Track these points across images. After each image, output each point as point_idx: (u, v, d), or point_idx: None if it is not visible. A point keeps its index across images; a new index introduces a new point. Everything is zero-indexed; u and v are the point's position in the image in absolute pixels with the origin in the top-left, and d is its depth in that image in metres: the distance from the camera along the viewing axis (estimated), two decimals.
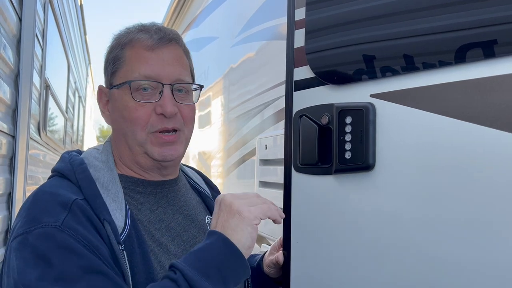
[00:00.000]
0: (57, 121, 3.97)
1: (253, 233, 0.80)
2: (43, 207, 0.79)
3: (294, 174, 0.97)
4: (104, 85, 0.98)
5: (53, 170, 0.91)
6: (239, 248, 0.78)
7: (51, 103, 3.23)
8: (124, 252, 0.79)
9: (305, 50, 0.95)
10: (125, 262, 0.79)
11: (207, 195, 1.11)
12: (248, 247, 0.80)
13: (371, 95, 0.84)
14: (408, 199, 0.78)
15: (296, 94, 0.99)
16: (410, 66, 0.79)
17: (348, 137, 0.87)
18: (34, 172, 2.68)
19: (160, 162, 0.92)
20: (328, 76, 0.92)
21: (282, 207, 1.02)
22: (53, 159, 3.62)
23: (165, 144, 0.91)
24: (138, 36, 0.92)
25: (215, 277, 0.74)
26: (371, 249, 0.82)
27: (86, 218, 0.79)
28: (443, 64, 0.74)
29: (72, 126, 5.67)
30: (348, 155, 0.86)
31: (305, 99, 0.96)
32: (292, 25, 1.02)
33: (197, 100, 0.98)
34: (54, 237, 0.74)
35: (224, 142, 3.13)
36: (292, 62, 1.01)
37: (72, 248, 0.74)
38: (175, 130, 0.92)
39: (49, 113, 3.13)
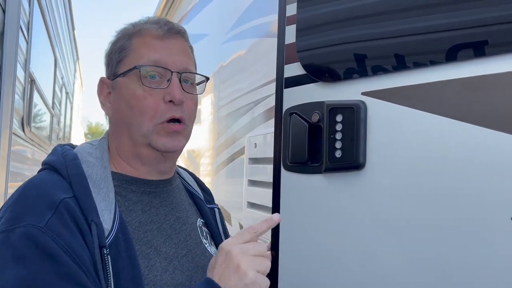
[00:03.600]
0: (43, 117, 3.90)
1: None
2: (28, 204, 0.76)
3: (284, 172, 0.96)
4: (105, 77, 0.96)
5: (44, 163, 0.88)
6: None
7: (37, 98, 3.17)
8: (109, 256, 0.76)
9: (296, 48, 0.93)
10: (109, 267, 0.76)
11: (199, 197, 1.09)
12: None
13: (362, 93, 0.83)
14: (398, 198, 0.76)
15: (287, 92, 0.98)
16: (401, 64, 0.77)
17: (338, 136, 0.85)
18: (18, 168, 2.62)
19: (162, 152, 0.91)
20: (319, 73, 0.90)
21: (271, 205, 1.00)
22: (38, 156, 3.55)
23: (171, 134, 0.89)
24: (146, 26, 0.93)
25: None
26: (360, 248, 0.81)
27: (72, 219, 0.76)
28: (434, 62, 0.73)
29: (58, 123, 5.59)
30: (338, 153, 0.85)
31: (295, 97, 0.95)
32: (283, 21, 1.00)
33: (203, 92, 0.99)
34: (36, 239, 0.72)
35: (214, 141, 3.10)
36: (282, 58, 0.99)
37: (51, 253, 0.72)
38: (180, 121, 0.90)
39: (34, 108, 3.06)
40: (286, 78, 0.97)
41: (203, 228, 1.03)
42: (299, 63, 0.93)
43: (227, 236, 1.08)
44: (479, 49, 0.68)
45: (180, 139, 0.91)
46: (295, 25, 0.94)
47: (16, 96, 2.24)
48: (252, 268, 0.77)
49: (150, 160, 0.92)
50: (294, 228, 0.93)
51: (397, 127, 0.78)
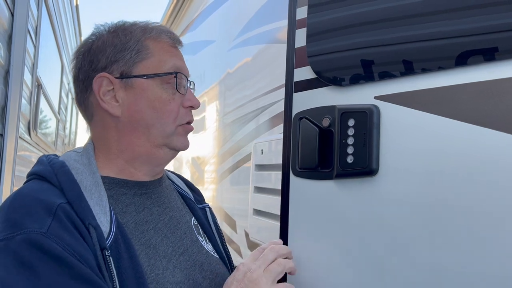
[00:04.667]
0: (49, 122, 3.90)
1: None
2: (25, 212, 0.75)
3: (293, 178, 0.94)
4: (105, 72, 0.91)
5: (30, 173, 0.87)
6: None
7: (43, 102, 3.17)
8: (111, 258, 0.76)
9: (307, 53, 0.92)
10: (112, 268, 0.76)
11: (190, 198, 1.10)
12: None
13: (375, 97, 0.81)
14: (412, 206, 0.74)
15: (296, 96, 0.96)
16: (416, 68, 0.76)
17: (350, 141, 0.83)
18: (23, 173, 2.61)
19: (178, 151, 0.97)
20: (330, 77, 0.89)
21: (277, 213, 0.98)
22: None
23: (188, 133, 0.98)
24: (162, 34, 0.96)
25: None
26: (373, 258, 0.79)
27: (71, 223, 0.76)
28: (449, 67, 0.71)
29: (64, 128, 5.60)
30: (350, 159, 0.83)
31: (305, 101, 0.93)
32: (293, 25, 0.99)
33: None
34: (40, 245, 0.71)
35: (219, 147, 3.08)
36: (292, 62, 0.98)
37: (60, 257, 0.71)
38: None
39: (40, 113, 3.07)
40: (295, 82, 0.96)
41: (198, 226, 1.05)
42: (309, 67, 0.92)
43: (220, 234, 1.10)
44: (494, 55, 0.66)
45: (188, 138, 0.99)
46: (305, 28, 0.93)
47: (23, 100, 2.24)
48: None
49: (161, 161, 0.95)
50: (303, 236, 0.91)
51: (412, 132, 0.76)
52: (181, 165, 4.00)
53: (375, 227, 0.79)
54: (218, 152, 3.06)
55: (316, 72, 0.91)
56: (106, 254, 0.76)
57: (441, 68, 0.72)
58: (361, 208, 0.81)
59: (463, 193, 0.68)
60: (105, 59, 0.91)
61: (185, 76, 0.96)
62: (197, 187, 1.22)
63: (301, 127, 0.92)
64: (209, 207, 1.15)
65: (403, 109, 0.77)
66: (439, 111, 0.72)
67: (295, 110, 0.95)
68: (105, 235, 0.78)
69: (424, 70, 0.74)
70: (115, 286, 0.75)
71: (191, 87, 0.99)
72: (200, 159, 3.58)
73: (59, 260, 0.71)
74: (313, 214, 0.90)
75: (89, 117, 0.96)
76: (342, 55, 0.87)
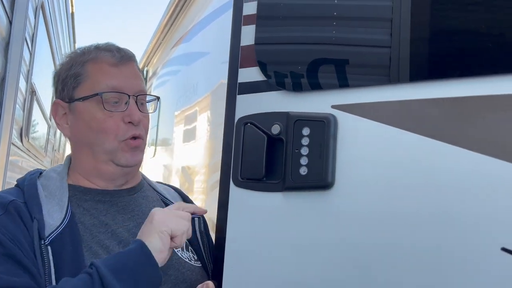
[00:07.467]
0: (40, 128, 3.90)
1: (164, 238, 0.87)
2: None
3: (233, 189, 0.86)
4: (59, 99, 1.06)
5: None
6: (152, 251, 0.85)
7: (36, 109, 3.18)
8: (49, 247, 0.87)
9: (255, 54, 0.84)
10: (48, 256, 0.86)
11: None
12: (160, 251, 0.86)
13: (333, 106, 0.77)
14: (370, 222, 0.71)
15: (240, 98, 0.88)
16: (378, 78, 0.74)
17: (304, 151, 0.78)
18: (13, 179, 2.61)
19: (124, 167, 1.03)
20: (282, 81, 0.82)
21: (217, 224, 0.93)
22: (33, 166, 3.54)
23: (133, 149, 1.02)
24: (101, 54, 1.03)
25: (127, 278, 0.82)
26: (324, 281, 0.73)
27: (19, 216, 0.89)
28: (411, 79, 0.71)
29: (55, 134, 5.58)
30: (303, 170, 0.77)
31: (250, 105, 0.86)
32: (238, 20, 0.91)
33: (155, 110, 1.13)
34: None
35: (210, 158, 3.10)
36: (237, 61, 0.90)
37: None
38: (139, 137, 1.03)
39: (32, 119, 3.07)
40: (240, 83, 0.88)
41: None
42: (256, 68, 0.85)
43: (204, 244, 1.13)
44: (453, 72, 0.67)
45: (139, 154, 1.04)
46: (253, 26, 0.86)
47: (17, 107, 2.26)
48: (163, 216, 0.89)
49: (110, 176, 1.04)
50: (243, 254, 0.82)
51: (370, 145, 0.72)
52: (170, 174, 4.00)
53: (327, 245, 0.73)
54: (209, 162, 3.08)
55: (266, 75, 0.84)
56: (42, 243, 0.87)
57: (400, 81, 0.71)
58: (313, 223, 0.75)
59: (423, 207, 0.66)
60: (59, 86, 1.06)
61: (125, 93, 1.00)
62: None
63: (245, 133, 0.85)
64: (200, 218, 1.18)
65: (362, 120, 0.74)
66: (399, 124, 0.70)
67: (239, 114, 0.88)
68: (53, 228, 0.90)
69: (391, 80, 0.72)
70: (47, 271, 0.85)
71: (133, 101, 1.01)
72: (191, 169, 3.59)
73: None
74: (255, 228, 0.82)
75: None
76: (297, 59, 0.81)
